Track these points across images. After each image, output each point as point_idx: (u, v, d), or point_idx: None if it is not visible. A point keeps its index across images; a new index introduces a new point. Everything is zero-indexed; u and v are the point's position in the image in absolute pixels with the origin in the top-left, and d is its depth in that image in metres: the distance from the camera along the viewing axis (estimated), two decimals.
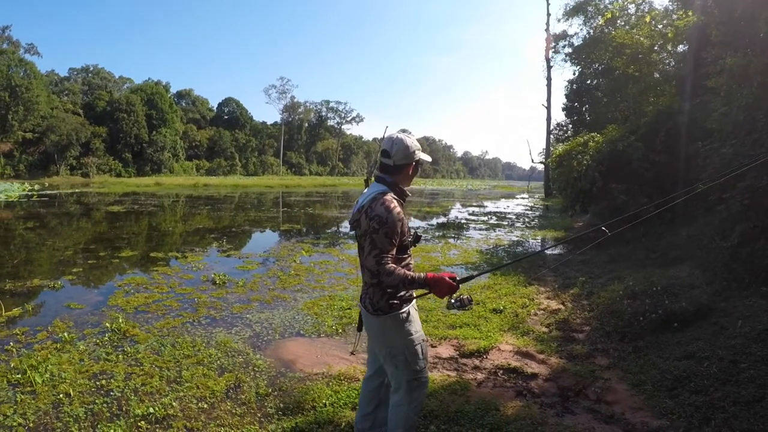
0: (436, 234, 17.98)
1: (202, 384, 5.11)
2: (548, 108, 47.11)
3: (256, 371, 5.52)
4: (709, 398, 4.45)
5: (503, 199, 49.42)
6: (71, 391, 4.91)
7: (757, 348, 5.02)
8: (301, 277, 10.51)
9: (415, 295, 3.48)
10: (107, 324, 7.01)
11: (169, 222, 22.35)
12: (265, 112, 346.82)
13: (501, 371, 5.53)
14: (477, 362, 5.81)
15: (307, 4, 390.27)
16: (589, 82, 35.39)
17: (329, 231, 19.79)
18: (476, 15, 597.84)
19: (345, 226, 21.37)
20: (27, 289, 9.29)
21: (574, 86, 37.43)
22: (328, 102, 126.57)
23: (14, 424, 4.33)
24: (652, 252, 10.47)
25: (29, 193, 38.07)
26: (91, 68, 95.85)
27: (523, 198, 53.61)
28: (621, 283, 8.25)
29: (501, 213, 29.81)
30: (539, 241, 17.04)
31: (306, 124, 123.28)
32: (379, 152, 3.42)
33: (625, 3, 21.02)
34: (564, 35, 39.13)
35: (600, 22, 27.75)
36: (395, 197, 3.26)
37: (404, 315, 3.31)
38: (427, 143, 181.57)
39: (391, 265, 3.09)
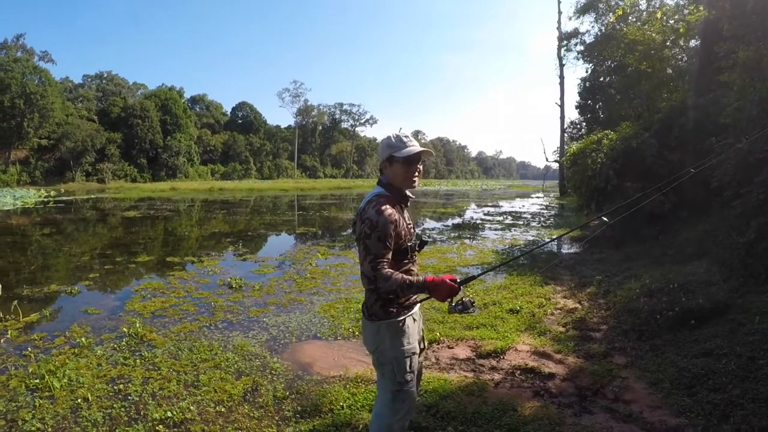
0: (452, 235, 17.94)
1: (219, 388, 5.15)
2: (561, 106, 46.99)
3: (274, 374, 5.56)
4: (727, 395, 4.44)
5: (518, 199, 49.23)
6: (89, 395, 4.97)
7: None
8: (317, 280, 10.54)
9: (417, 301, 3.42)
10: (124, 329, 7.07)
11: (184, 226, 22.49)
12: (279, 116, 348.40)
13: (518, 371, 5.53)
14: (494, 363, 5.81)
15: (319, 6, 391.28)
16: (601, 79, 35.23)
17: (345, 233, 19.75)
18: (488, 13, 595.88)
19: None
20: (44, 294, 9.39)
21: (587, 84, 37.29)
22: (341, 104, 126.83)
23: (33, 428, 4.39)
24: (669, 249, 10.42)
25: (45, 200, 38.37)
26: (105, 75, 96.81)
27: (538, 197, 53.35)
28: (637, 281, 8.22)
29: (516, 213, 29.71)
30: (555, 240, 16.97)
31: (320, 127, 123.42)
32: None
33: None
34: (576, 33, 39.13)
35: (611, 19, 27.66)
36: (391, 198, 3.19)
37: (399, 324, 3.23)
38: (441, 144, 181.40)
39: (387, 270, 3.01)
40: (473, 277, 3.66)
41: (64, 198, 41.26)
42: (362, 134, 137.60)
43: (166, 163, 78.67)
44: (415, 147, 3.20)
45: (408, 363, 3.26)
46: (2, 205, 31.79)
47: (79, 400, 4.89)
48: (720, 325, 5.86)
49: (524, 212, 30.01)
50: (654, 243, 11.18)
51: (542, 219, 24.99)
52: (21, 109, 61.59)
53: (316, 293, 9.43)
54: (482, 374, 5.51)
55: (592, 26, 35.10)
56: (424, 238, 3.48)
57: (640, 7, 23.21)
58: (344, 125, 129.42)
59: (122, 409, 4.72)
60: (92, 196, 44.70)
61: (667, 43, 19.03)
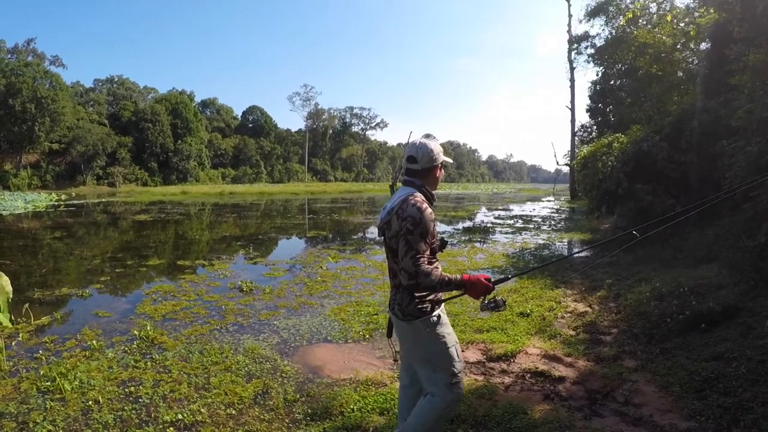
0: (463, 238, 17.96)
1: (230, 390, 5.18)
2: (572, 110, 46.84)
3: (284, 377, 5.58)
4: (737, 399, 4.43)
5: (529, 203, 49.18)
6: (100, 398, 5.01)
7: None
8: (327, 283, 10.57)
9: (443, 298, 3.49)
10: (135, 331, 7.13)
11: (195, 230, 22.61)
12: (290, 120, 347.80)
13: (528, 375, 5.53)
14: (504, 366, 5.82)
15: (329, 10, 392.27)
16: (612, 82, 35.13)
17: (355, 237, 19.82)
18: (498, 17, 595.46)
19: (371, 232, 21.46)
20: (55, 297, 9.49)
21: (598, 87, 37.19)
22: (351, 108, 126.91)
23: (44, 431, 4.43)
24: (679, 252, 10.39)
25: (56, 203, 38.69)
26: (116, 79, 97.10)
27: (548, 201, 53.30)
28: (648, 284, 8.21)
29: (527, 216, 29.68)
30: (566, 244, 16.94)
31: (330, 131, 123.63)
32: (403, 158, 3.44)
33: (647, 2, 20.89)
34: (586, 36, 39.04)
35: (621, 22, 27.58)
36: (426, 199, 3.28)
37: (435, 318, 3.29)
38: (452, 147, 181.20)
39: (428, 266, 3.07)
40: (507, 278, 3.88)
41: (75, 202, 41.58)
42: (373, 138, 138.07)
43: (176, 167, 78.97)
44: None
45: (455, 352, 3.35)
46: (14, 208, 32.06)
47: (90, 403, 4.92)
48: (730, 329, 5.85)
49: (535, 216, 29.99)
50: (664, 246, 11.14)
51: (553, 222, 24.96)
52: (32, 114, 61.82)
53: (327, 296, 9.45)
54: (492, 377, 5.52)
55: (603, 29, 34.92)
56: (444, 239, 3.51)
57: (651, 10, 23.09)
58: (355, 129, 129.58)
59: (133, 412, 4.75)
60: (103, 200, 45.02)
61: (678, 46, 18.93)
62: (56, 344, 6.76)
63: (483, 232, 20.44)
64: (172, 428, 4.46)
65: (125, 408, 4.81)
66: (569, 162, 45.55)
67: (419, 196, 3.24)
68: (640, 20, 23.31)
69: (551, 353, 6.15)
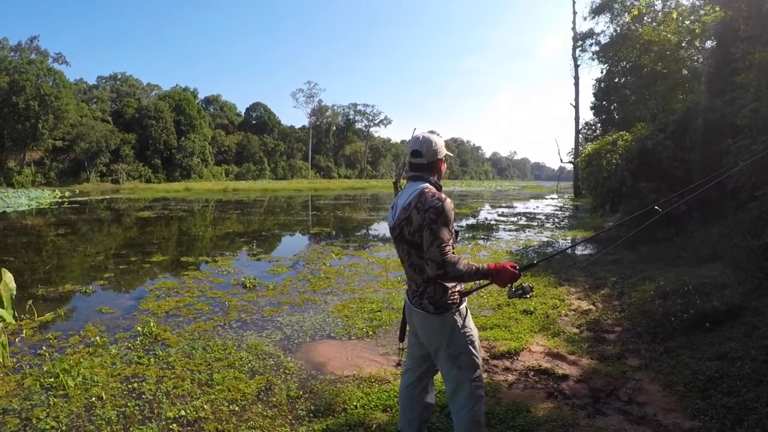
0: (466, 235, 17.91)
1: (233, 387, 5.19)
2: (576, 107, 46.75)
3: (287, 374, 5.59)
4: (741, 399, 4.42)
5: (532, 200, 49.09)
6: (103, 394, 5.02)
7: None
8: (331, 279, 10.58)
9: (470, 289, 3.54)
10: (139, 328, 7.14)
11: (199, 227, 22.60)
12: (293, 116, 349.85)
13: (532, 372, 5.53)
14: (508, 364, 5.81)
15: (333, 9, 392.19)
16: (617, 80, 35.13)
17: (359, 234, 19.81)
18: (502, 15, 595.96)
19: (375, 229, 21.47)
20: (59, 294, 9.49)
21: (602, 85, 37.20)
22: (355, 105, 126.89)
23: (47, 427, 4.44)
24: (683, 251, 10.36)
25: (60, 200, 38.71)
26: (119, 76, 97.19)
27: (552, 198, 53.18)
28: (652, 282, 8.19)
29: (530, 213, 29.62)
30: (569, 241, 16.91)
31: (334, 128, 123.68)
32: (407, 154, 3.44)
33: None
34: (591, 33, 39.04)
35: (626, 20, 27.56)
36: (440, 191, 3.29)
37: (463, 311, 3.33)
38: (455, 144, 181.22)
39: (454, 255, 3.07)
40: (533, 265, 3.92)
41: (79, 199, 41.60)
42: (376, 135, 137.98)
43: (180, 163, 79.04)
44: None
45: (478, 345, 3.41)
46: (17, 206, 32.07)
47: (93, 399, 4.93)
48: (734, 328, 5.83)
49: (538, 213, 29.92)
50: (669, 244, 11.12)
51: (556, 220, 24.92)
52: (35, 111, 61.86)
53: (330, 293, 9.46)
54: (496, 375, 5.51)
55: (607, 27, 35.02)
56: (457, 229, 3.52)
57: (656, 7, 23.09)
58: (358, 125, 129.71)
59: (136, 408, 4.76)
60: (107, 197, 45.06)
61: (683, 44, 18.94)
62: (60, 341, 6.78)
63: (486, 229, 20.40)
64: (175, 424, 4.46)
65: (128, 404, 4.83)
66: (573, 160, 45.49)
67: (433, 188, 3.25)
68: (645, 18, 23.32)
69: (555, 351, 6.14)
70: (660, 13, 22.77)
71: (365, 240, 17.43)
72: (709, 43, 17.57)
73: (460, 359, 3.32)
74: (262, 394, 5.08)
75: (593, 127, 43.07)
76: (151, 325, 7.17)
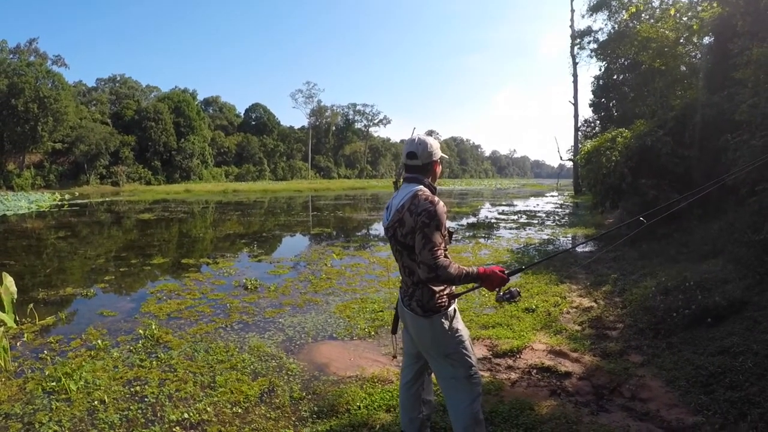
0: (467, 234, 17.96)
1: (236, 389, 5.19)
2: (575, 105, 46.78)
3: (290, 375, 5.59)
4: (744, 393, 4.43)
5: (533, 198, 49.12)
6: (106, 397, 5.03)
7: None
8: (332, 280, 10.58)
9: (459, 292, 3.53)
10: (140, 331, 7.14)
11: (199, 228, 22.57)
12: (293, 117, 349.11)
13: (534, 370, 5.54)
14: (510, 362, 5.82)
15: (333, 9, 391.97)
16: (615, 77, 35.18)
17: (359, 234, 19.80)
18: (502, 14, 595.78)
19: (375, 229, 21.45)
20: (60, 297, 9.50)
21: (601, 82, 37.26)
22: (354, 105, 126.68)
23: (50, 431, 4.44)
24: (684, 247, 10.36)
25: (60, 203, 38.69)
26: (118, 78, 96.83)
27: (552, 196, 53.22)
28: (653, 279, 8.20)
29: (531, 211, 29.64)
30: (570, 238, 16.90)
31: (333, 128, 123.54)
32: (403, 155, 3.46)
33: None
34: (589, 31, 39.07)
35: (624, 17, 27.59)
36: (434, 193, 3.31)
37: (452, 313, 3.34)
38: (455, 143, 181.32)
39: (446, 259, 3.09)
40: (520, 269, 3.90)
41: (79, 201, 41.58)
42: (376, 134, 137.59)
43: (180, 165, 78.92)
44: None
45: (469, 345, 3.42)
46: (17, 209, 32.11)
47: (96, 402, 4.93)
48: (736, 323, 5.84)
49: (539, 211, 29.93)
50: (669, 240, 11.12)
51: (557, 218, 24.94)
52: (35, 113, 61.54)
53: (332, 294, 9.46)
54: (498, 373, 5.52)
55: (605, 24, 35.12)
56: (450, 230, 3.52)
57: (653, 4, 23.11)
58: (358, 125, 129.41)
59: (139, 411, 4.77)
60: (107, 199, 45.03)
61: (681, 41, 18.91)
62: (61, 344, 6.78)
63: (487, 227, 20.44)
64: (178, 427, 4.47)
65: (131, 407, 4.83)
66: (573, 157, 45.51)
67: (427, 191, 3.27)
68: (643, 14, 23.31)
69: (557, 349, 6.15)
70: (658, 10, 22.81)
71: (366, 240, 17.42)
72: (707, 40, 17.55)
73: (453, 357, 3.34)
74: (265, 395, 5.09)
75: (592, 125, 43.16)
76: (153, 327, 7.18)
